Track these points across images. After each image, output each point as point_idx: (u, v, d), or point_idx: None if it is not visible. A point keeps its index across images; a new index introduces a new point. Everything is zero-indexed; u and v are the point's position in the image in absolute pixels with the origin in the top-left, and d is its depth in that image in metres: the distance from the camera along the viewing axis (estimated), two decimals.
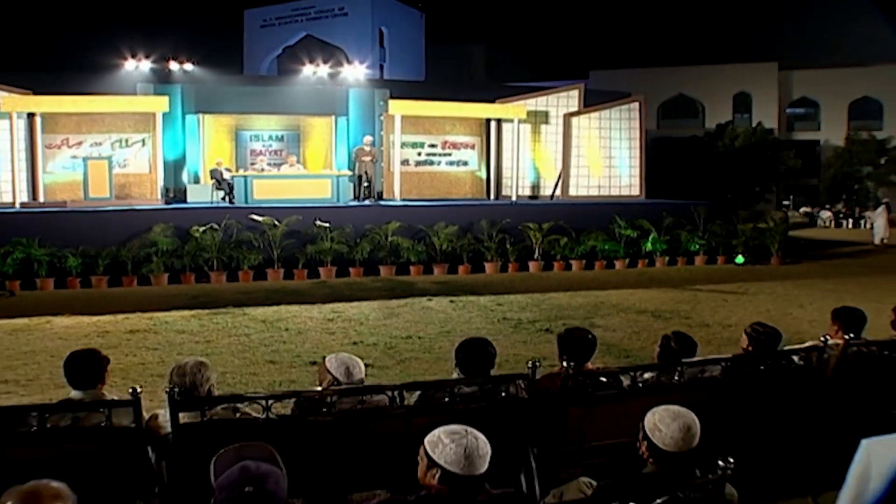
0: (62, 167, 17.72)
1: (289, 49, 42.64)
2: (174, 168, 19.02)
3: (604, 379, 4.03)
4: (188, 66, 20.40)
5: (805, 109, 43.83)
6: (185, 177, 19.20)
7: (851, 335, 4.68)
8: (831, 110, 42.11)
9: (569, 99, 20.64)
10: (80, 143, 17.98)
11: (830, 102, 42.00)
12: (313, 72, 21.27)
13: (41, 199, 16.97)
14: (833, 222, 34.32)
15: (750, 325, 4.65)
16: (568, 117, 20.03)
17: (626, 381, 4.05)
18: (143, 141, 18.39)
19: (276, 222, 13.85)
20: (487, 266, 15.11)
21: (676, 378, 4.05)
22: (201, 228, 13.50)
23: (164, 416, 3.54)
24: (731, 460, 2.50)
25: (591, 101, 20.67)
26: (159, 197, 17.67)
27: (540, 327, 9.37)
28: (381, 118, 19.87)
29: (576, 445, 3.86)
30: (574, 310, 10.76)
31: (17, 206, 16.42)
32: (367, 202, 16.74)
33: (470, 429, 2.45)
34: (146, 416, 3.57)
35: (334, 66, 22.71)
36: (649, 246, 16.47)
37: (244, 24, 43.43)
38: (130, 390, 3.34)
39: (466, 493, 2.38)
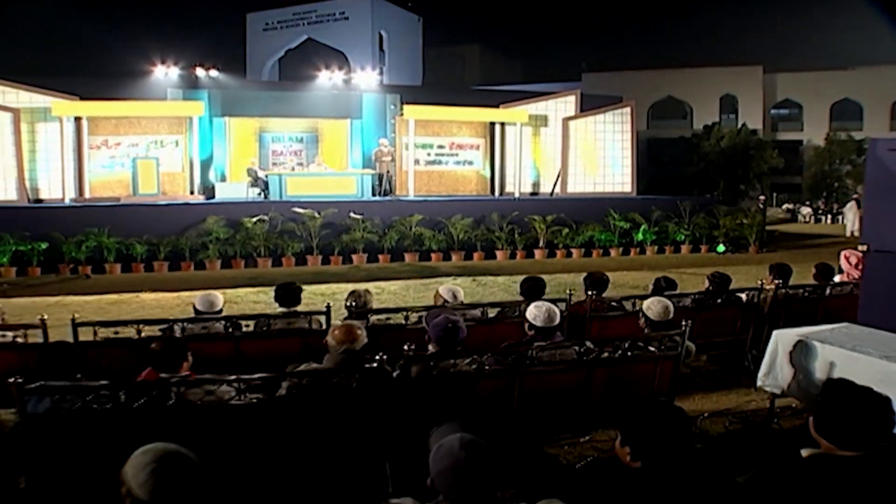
0: (101, 166, 19.65)
1: (291, 52, 44.54)
2: (203, 167, 21.07)
3: (614, 303, 6.31)
4: (213, 73, 22.49)
5: (789, 111, 46.27)
6: (211, 175, 21.23)
7: (780, 281, 6.98)
8: (813, 111, 44.61)
9: (566, 104, 22.95)
10: (118, 144, 19.92)
11: (813, 104, 44.51)
12: (329, 78, 23.23)
13: (86, 195, 19.06)
14: (812, 218, 36.87)
15: (709, 274, 6.96)
16: (566, 121, 22.33)
17: (627, 306, 6.33)
18: (177, 142, 20.45)
19: (317, 214, 16.00)
20: (498, 254, 17.35)
21: None
22: (253, 219, 15.67)
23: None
24: (690, 322, 4.77)
25: (587, 106, 22.96)
26: (195, 193, 19.77)
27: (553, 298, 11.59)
28: (393, 121, 22.06)
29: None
30: (577, 286, 12.97)
31: (67, 201, 18.52)
32: (388, 198, 18.96)
33: (547, 303, 4.71)
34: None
35: (346, 73, 24.77)
36: (640, 236, 18.75)
37: (246, 27, 45.00)
38: (326, 305, 5.60)
39: (547, 335, 4.62)
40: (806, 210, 38.06)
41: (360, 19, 42.68)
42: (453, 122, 22.27)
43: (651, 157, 39.82)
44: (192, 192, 19.93)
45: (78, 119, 19.11)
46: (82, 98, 19.13)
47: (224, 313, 5.76)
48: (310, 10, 43.54)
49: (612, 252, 18.36)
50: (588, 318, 6.10)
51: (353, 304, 5.75)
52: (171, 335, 4.51)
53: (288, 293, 5.86)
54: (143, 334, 5.25)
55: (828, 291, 6.96)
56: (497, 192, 22.46)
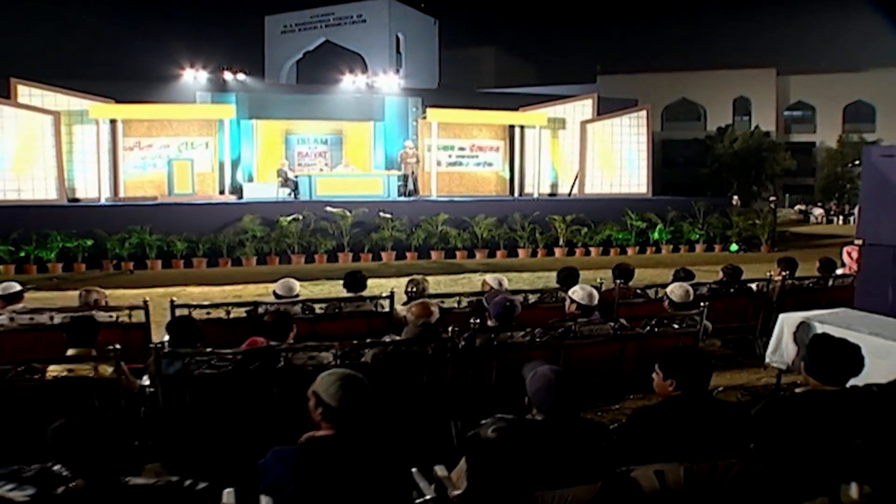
0: (133, 167, 20.54)
1: (309, 54, 45.47)
2: (231, 168, 21.94)
3: (639, 291, 7.14)
4: (240, 76, 23.38)
5: (802, 112, 47.05)
6: (239, 175, 22.08)
7: (787, 273, 7.79)
8: (826, 113, 45.36)
9: (584, 107, 23.77)
10: (150, 146, 20.82)
11: (825, 106, 45.26)
12: (352, 81, 24.01)
13: (121, 194, 19.99)
14: (825, 219, 37.62)
15: (723, 266, 7.78)
16: (584, 124, 23.16)
17: (650, 293, 7.15)
18: (206, 143, 21.32)
19: (348, 213, 16.87)
20: (520, 252, 18.21)
21: None
22: (288, 218, 16.56)
23: (399, 308, 6.61)
24: (707, 304, 5.59)
25: (604, 109, 23.78)
26: (225, 193, 20.67)
27: None
28: (415, 123, 22.90)
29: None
30: (597, 282, 13.82)
31: (103, 200, 19.45)
32: (413, 198, 19.84)
33: (588, 286, 5.55)
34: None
35: (368, 76, 25.64)
36: (656, 235, 19.57)
37: (265, 29, 45.96)
38: (389, 292, 6.46)
39: (587, 313, 5.46)
40: (818, 211, 38.78)
41: (378, 22, 43.52)
42: (473, 125, 23.13)
43: (665, 158, 40.63)
44: (221, 192, 20.77)
45: (113, 121, 20.00)
46: (117, 101, 20.01)
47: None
48: (327, 13, 44.38)
49: (629, 251, 19.16)
50: (616, 304, 6.92)
51: (413, 289, 6.60)
52: (278, 310, 5.34)
53: (355, 281, 6.73)
54: (230, 315, 6.13)
55: (830, 283, 7.78)
56: (517, 193, 23.30)
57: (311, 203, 17.83)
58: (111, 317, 6.14)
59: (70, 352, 4.60)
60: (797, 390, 3.40)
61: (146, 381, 4.76)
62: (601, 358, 5.28)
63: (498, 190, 23.58)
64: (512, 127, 23.38)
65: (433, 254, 17.53)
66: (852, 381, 3.33)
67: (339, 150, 23.01)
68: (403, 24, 44.80)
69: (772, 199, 22.54)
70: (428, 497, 2.96)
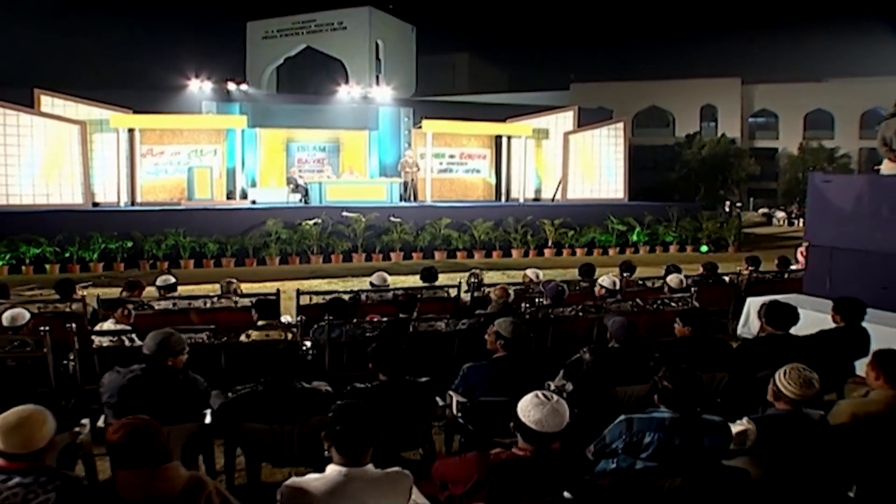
0: (147, 173, 22.35)
1: (289, 60, 47.40)
2: (235, 174, 23.70)
3: (640, 281, 9.44)
4: (244, 87, 25.36)
5: (765, 119, 50.06)
6: (243, 181, 23.81)
7: (753, 268, 10.16)
8: (788, 121, 48.42)
9: (565, 118, 26.21)
10: (161, 153, 22.66)
11: (788, 114, 48.32)
12: (347, 92, 26.02)
13: (138, 199, 21.85)
14: (786, 221, 40.52)
15: (703, 263, 10.13)
16: (567, 135, 25.56)
17: (648, 284, 9.44)
18: (215, 151, 23.25)
19: (363, 217, 19.00)
20: (514, 252, 20.48)
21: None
22: (311, 222, 18.63)
23: (463, 296, 8.82)
24: (696, 289, 7.89)
25: (584, 120, 26.22)
26: (237, 198, 22.60)
27: None
28: (407, 132, 25.02)
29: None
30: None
31: (122, 205, 21.31)
32: (416, 203, 22.03)
33: (610, 276, 7.83)
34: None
35: (353, 85, 27.77)
36: (634, 237, 22.00)
37: (246, 35, 47.78)
38: (458, 281, 8.68)
39: (612, 295, 7.73)
40: (780, 214, 41.70)
41: (358, 29, 45.51)
42: (463, 135, 25.42)
43: (636, 164, 43.23)
44: (229, 197, 22.65)
45: (131, 130, 21.84)
46: (135, 111, 21.84)
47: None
48: (309, 20, 46.26)
49: (611, 251, 21.51)
50: (623, 291, 9.19)
51: (473, 280, 8.82)
52: (409, 292, 7.51)
53: (430, 274, 8.94)
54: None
55: (786, 276, 10.16)
56: (503, 198, 25.60)
57: (323, 208, 19.74)
58: (249, 301, 8.25)
59: (260, 323, 6.71)
60: (760, 335, 5.71)
61: (307, 343, 6.89)
62: None
63: (485, 195, 25.88)
64: (499, 136, 25.70)
65: (437, 254, 19.72)
66: (793, 330, 5.65)
67: (336, 157, 24.90)
68: (383, 32, 46.82)
69: (738, 203, 25.11)
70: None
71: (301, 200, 21.54)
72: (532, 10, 75.18)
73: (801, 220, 39.69)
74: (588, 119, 26.50)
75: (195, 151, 23.08)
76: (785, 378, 3.77)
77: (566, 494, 3.32)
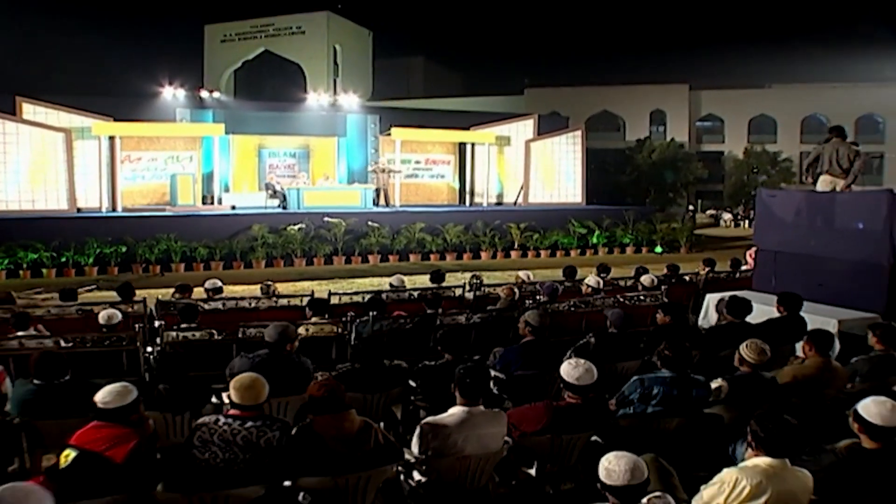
0: (125, 178, 23.27)
1: (248, 63, 48.27)
2: (209, 179, 24.60)
3: (614, 281, 11.08)
4: (216, 94, 26.48)
5: (712, 123, 52.43)
6: (216, 186, 24.96)
7: (709, 269, 11.89)
8: (734, 126, 50.89)
9: (525, 126, 27.99)
10: (139, 159, 23.69)
11: (733, 119, 50.80)
12: (316, 99, 27.25)
13: (119, 205, 22.84)
14: (733, 223, 42.91)
15: (667, 264, 11.84)
16: (528, 143, 27.33)
17: (620, 283, 11.09)
18: (191, 157, 24.40)
19: (343, 222, 20.36)
20: (483, 254, 22.03)
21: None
22: (296, 227, 19.93)
23: (467, 295, 10.37)
24: (666, 287, 9.55)
25: (543, 128, 28.00)
26: (215, 202, 23.74)
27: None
28: (374, 138, 26.41)
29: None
30: (555, 278, 17.80)
31: (103, 210, 22.31)
32: (390, 208, 23.45)
33: (594, 276, 9.46)
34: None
35: (322, 92, 29.08)
36: (594, 240, 23.75)
37: (204, 38, 48.50)
38: (463, 283, 10.23)
39: (598, 293, 9.35)
40: (727, 216, 44.07)
41: (317, 33, 46.53)
42: (428, 142, 26.96)
43: (589, 167, 45.30)
44: (204, 202, 23.71)
45: (112, 137, 22.77)
46: (115, 119, 22.83)
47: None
48: (267, 24, 47.11)
49: (573, 253, 23.23)
50: (599, 295, 10.81)
51: (475, 281, 10.37)
52: (435, 292, 9.03)
53: (437, 275, 10.46)
54: (364, 298, 9.75)
55: (738, 275, 11.91)
56: (467, 202, 27.19)
57: (304, 214, 21.03)
58: (288, 301, 9.66)
59: (314, 319, 8.14)
60: (721, 322, 7.40)
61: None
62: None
63: (449, 199, 27.49)
64: (462, 143, 27.28)
65: (412, 256, 21.19)
66: (748, 319, 7.32)
67: (306, 163, 26.20)
68: (340, 36, 47.84)
69: (690, 207, 27.09)
70: None
71: (280, 206, 22.77)
72: (486, 15, 77.20)
73: (748, 222, 42.12)
74: (547, 127, 28.31)
75: (171, 157, 24.12)
76: (746, 349, 5.42)
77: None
